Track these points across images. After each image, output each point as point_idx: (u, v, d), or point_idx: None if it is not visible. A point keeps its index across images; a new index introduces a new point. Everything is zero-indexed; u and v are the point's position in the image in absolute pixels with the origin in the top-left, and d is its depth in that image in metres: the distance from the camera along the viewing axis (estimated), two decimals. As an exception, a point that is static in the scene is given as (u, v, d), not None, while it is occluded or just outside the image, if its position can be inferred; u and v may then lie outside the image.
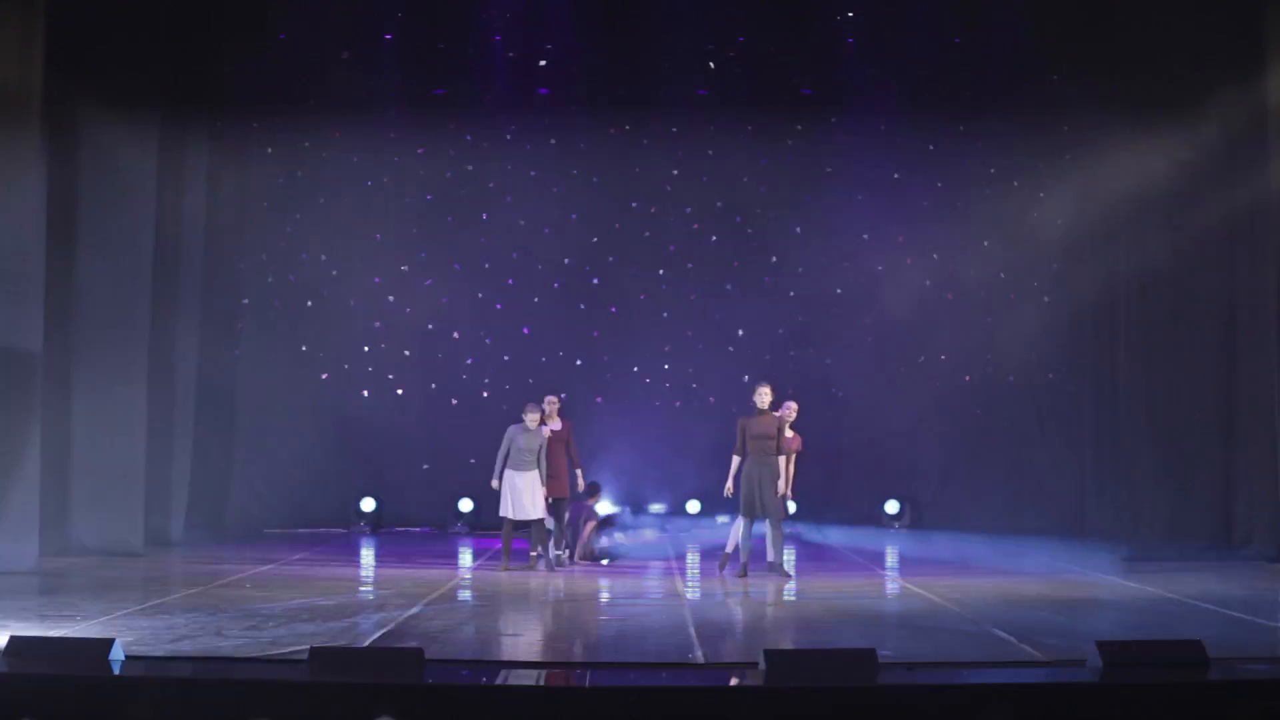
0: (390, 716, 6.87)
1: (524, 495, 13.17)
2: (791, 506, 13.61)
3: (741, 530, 12.77)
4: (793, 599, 12.16)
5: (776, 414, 12.74)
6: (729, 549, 13.11)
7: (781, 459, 12.66)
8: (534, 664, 8.55)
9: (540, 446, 13.21)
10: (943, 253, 17.23)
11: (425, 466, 15.22)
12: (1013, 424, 17.17)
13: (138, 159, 14.11)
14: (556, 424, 13.57)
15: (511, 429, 13.28)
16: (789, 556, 13.59)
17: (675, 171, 18.05)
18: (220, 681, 7.70)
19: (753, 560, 12.74)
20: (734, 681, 8.09)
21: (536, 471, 13.18)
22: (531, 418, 13.23)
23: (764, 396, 12.60)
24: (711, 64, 17.63)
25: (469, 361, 17.82)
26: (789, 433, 12.97)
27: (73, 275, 14.04)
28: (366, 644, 9.17)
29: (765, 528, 12.73)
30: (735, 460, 12.70)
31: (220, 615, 10.18)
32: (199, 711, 7.34)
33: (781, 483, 12.67)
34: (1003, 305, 17.23)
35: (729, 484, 12.74)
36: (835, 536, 16.39)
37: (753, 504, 12.58)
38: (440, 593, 11.80)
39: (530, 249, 17.79)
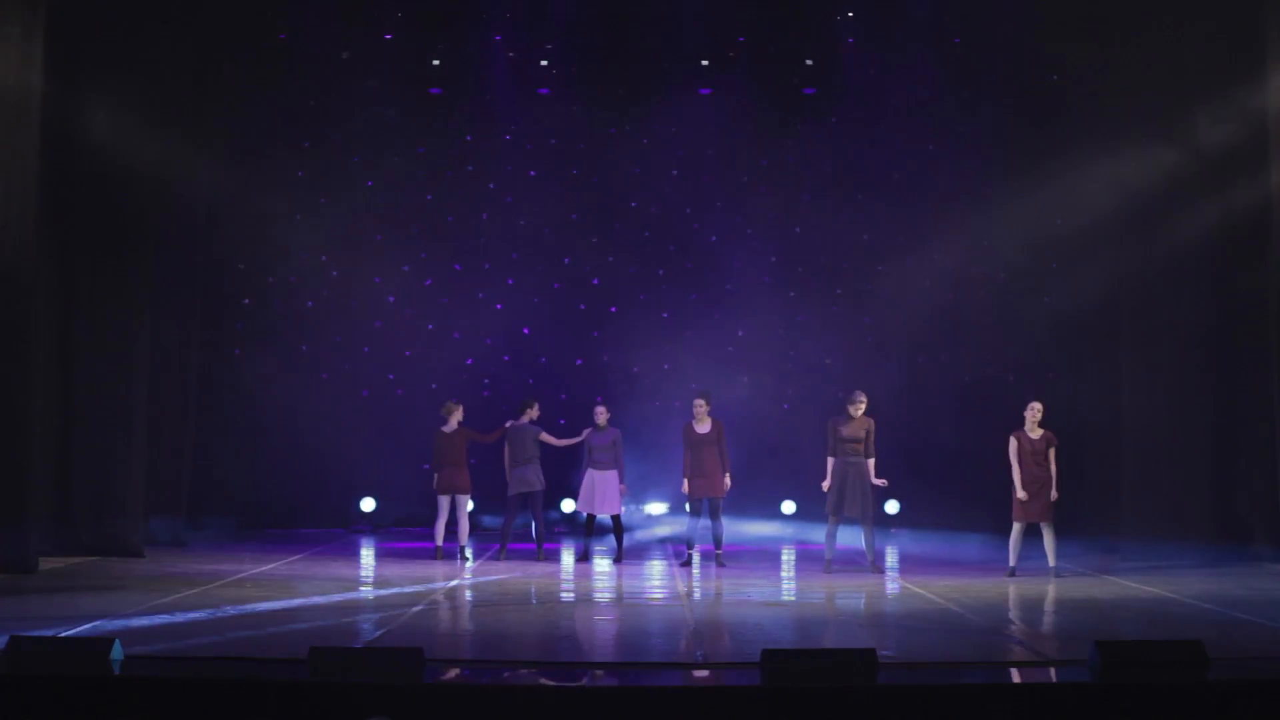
0: (383, 717, 6.87)
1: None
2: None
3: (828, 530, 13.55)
4: (793, 599, 12.17)
5: (868, 418, 13.41)
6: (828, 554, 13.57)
7: (872, 461, 13.33)
8: (534, 664, 8.54)
9: (614, 443, 14.24)
10: (943, 252, 17.21)
11: (425, 466, 15.19)
12: (1013, 424, 17.13)
13: (137, 158, 14.10)
14: (707, 425, 14.09)
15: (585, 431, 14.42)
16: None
17: (675, 171, 18.03)
18: (220, 681, 7.70)
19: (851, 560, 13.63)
20: (734, 682, 8.09)
21: (615, 470, 14.23)
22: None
23: (859, 406, 13.35)
24: (710, 63, 17.62)
25: (469, 362, 17.79)
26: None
27: (72, 275, 14.06)
28: (366, 644, 9.17)
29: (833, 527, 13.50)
30: (830, 461, 13.38)
31: (220, 615, 10.18)
32: (199, 711, 7.35)
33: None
34: (1003, 305, 17.20)
35: (825, 483, 13.40)
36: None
37: (839, 505, 13.34)
38: (440, 593, 11.81)
39: (530, 249, 17.78)
